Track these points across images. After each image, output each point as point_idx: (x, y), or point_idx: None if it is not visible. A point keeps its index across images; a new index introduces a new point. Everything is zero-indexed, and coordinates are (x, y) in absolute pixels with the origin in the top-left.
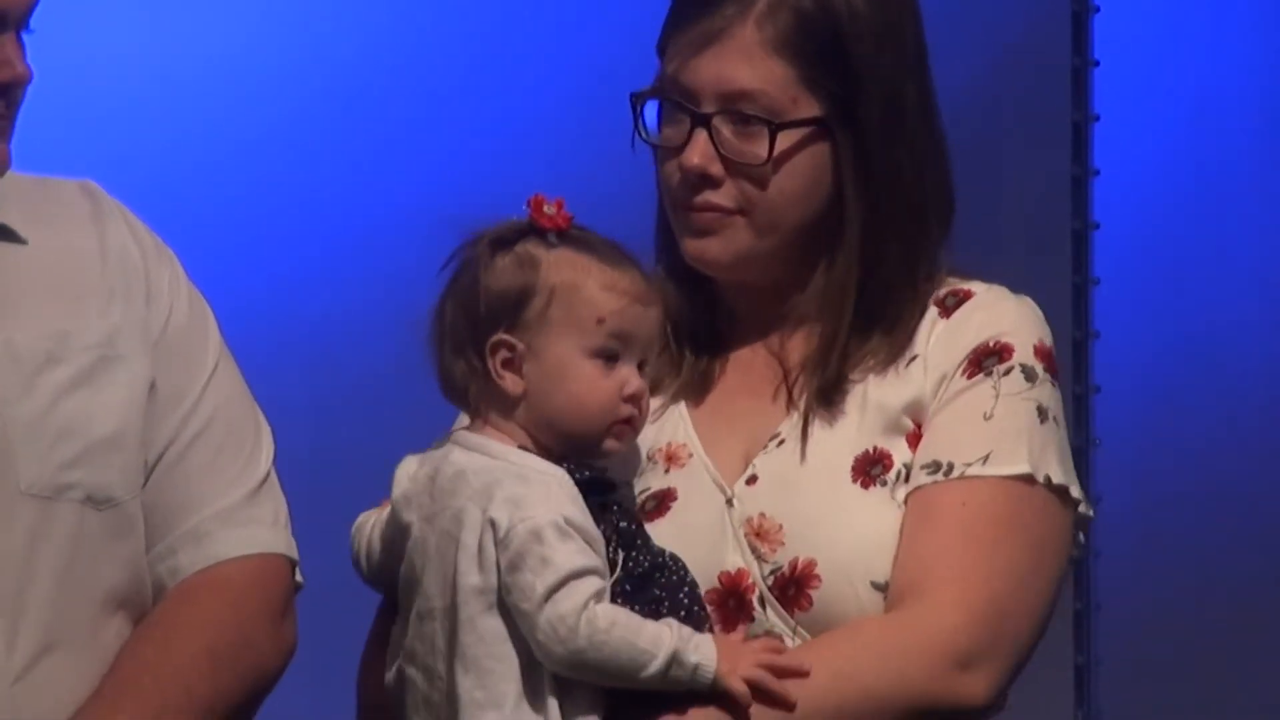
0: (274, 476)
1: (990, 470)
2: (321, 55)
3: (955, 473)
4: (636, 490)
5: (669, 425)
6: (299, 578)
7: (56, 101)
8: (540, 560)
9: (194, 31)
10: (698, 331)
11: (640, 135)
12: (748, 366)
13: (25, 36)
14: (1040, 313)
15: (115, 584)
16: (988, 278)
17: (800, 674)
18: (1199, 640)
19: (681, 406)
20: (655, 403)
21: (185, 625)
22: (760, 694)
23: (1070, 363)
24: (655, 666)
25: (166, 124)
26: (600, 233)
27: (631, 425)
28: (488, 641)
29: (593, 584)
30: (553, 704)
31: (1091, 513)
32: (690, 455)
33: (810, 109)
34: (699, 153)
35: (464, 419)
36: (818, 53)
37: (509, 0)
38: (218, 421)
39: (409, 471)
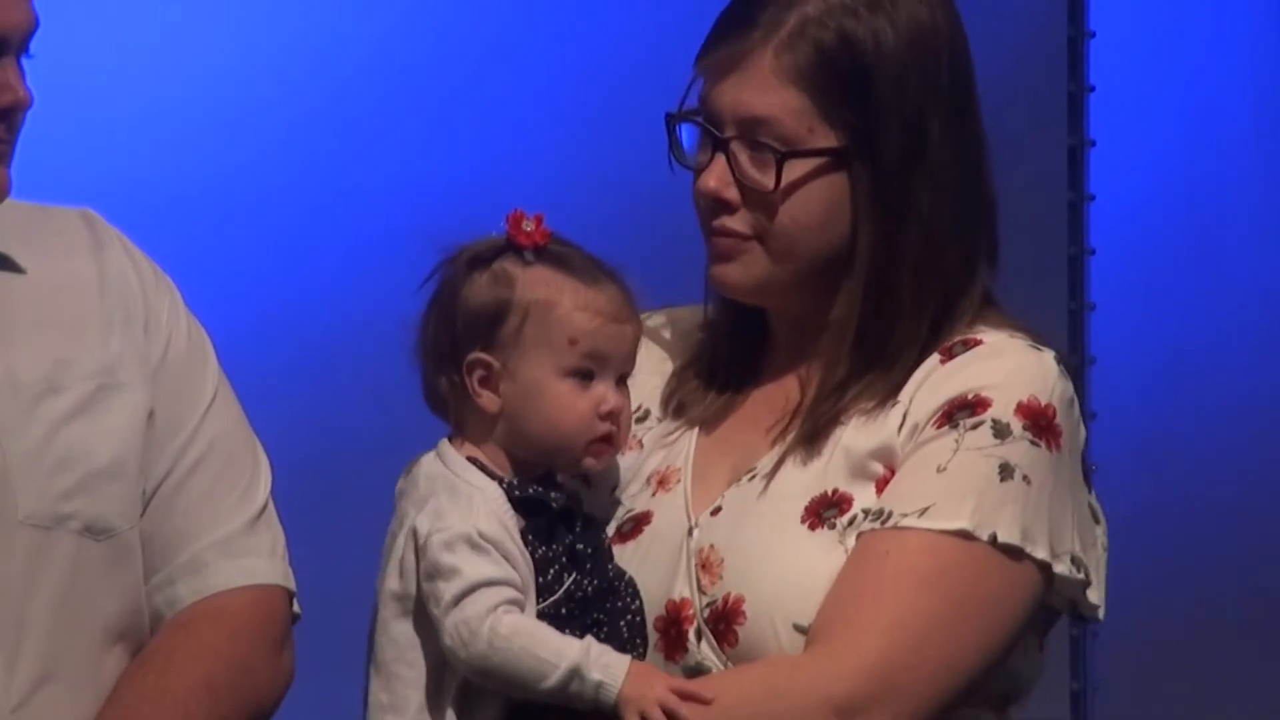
0: (272, 506)
1: (924, 523)
2: (325, 66)
3: (890, 522)
4: (624, 510)
5: (676, 449)
6: (296, 609)
7: (55, 122)
8: (450, 569)
9: (194, 53)
10: (736, 363)
11: (675, 157)
12: (769, 400)
13: (25, 61)
14: (1054, 370)
15: (113, 614)
16: (1025, 326)
17: (704, 700)
18: (1197, 666)
19: (694, 434)
20: (672, 427)
21: (183, 656)
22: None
23: None
24: (556, 678)
25: (165, 144)
26: (610, 240)
27: (610, 442)
28: (400, 646)
29: (501, 593)
30: (450, 715)
31: (1082, 575)
32: (678, 481)
33: (827, 140)
34: (715, 177)
35: None
36: (836, 85)
37: (514, 11)
38: (216, 451)
39: (408, 470)
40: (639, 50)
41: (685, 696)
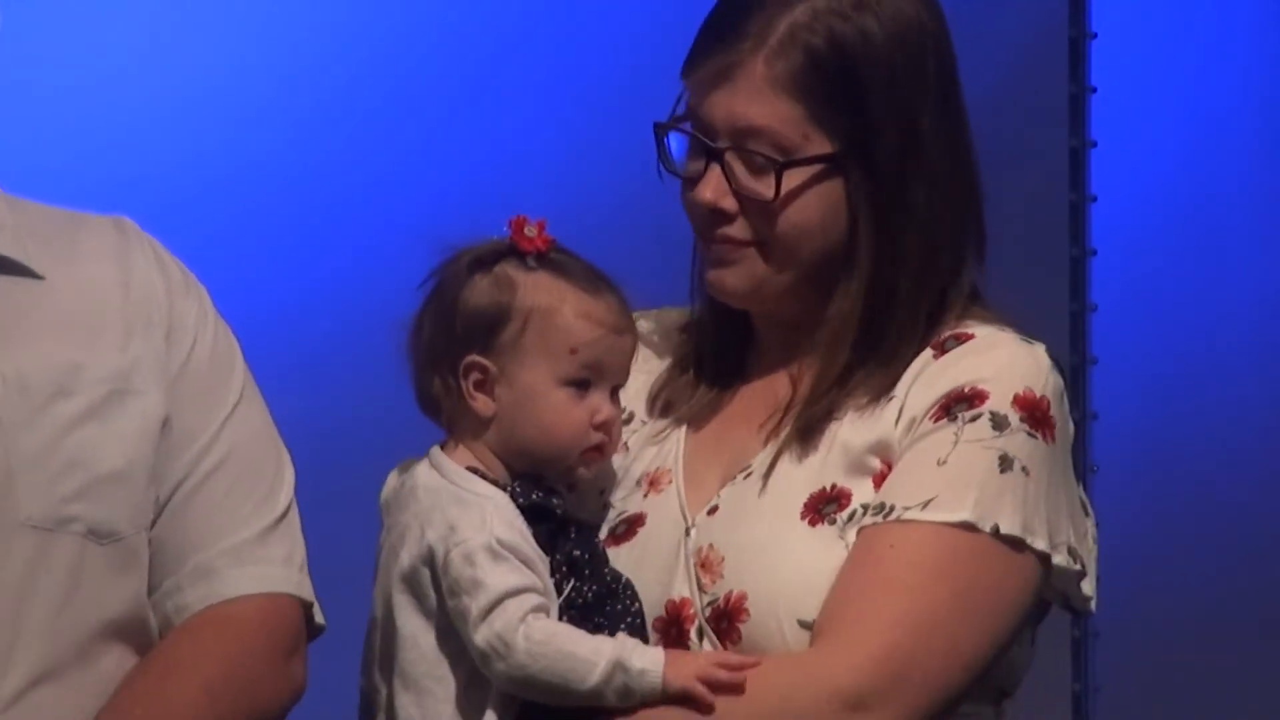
0: (294, 516)
1: (928, 516)
2: (332, 66)
3: (893, 515)
4: (615, 513)
5: (665, 449)
6: (319, 619)
7: (62, 123)
8: (473, 583)
9: (201, 55)
10: (724, 362)
11: (664, 166)
12: (758, 397)
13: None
14: (1047, 363)
15: (114, 618)
16: (1011, 320)
17: (737, 690)
18: (1198, 668)
19: (682, 432)
20: (660, 426)
21: (184, 661)
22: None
23: (1067, 389)
24: (598, 674)
25: (168, 145)
26: (613, 244)
27: (601, 452)
28: (429, 661)
29: (529, 600)
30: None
31: (1076, 566)
32: (670, 482)
33: (822, 146)
34: (711, 188)
35: None
36: (829, 90)
37: (520, 15)
38: (233, 459)
39: (392, 479)
40: (647, 54)
41: (717, 682)
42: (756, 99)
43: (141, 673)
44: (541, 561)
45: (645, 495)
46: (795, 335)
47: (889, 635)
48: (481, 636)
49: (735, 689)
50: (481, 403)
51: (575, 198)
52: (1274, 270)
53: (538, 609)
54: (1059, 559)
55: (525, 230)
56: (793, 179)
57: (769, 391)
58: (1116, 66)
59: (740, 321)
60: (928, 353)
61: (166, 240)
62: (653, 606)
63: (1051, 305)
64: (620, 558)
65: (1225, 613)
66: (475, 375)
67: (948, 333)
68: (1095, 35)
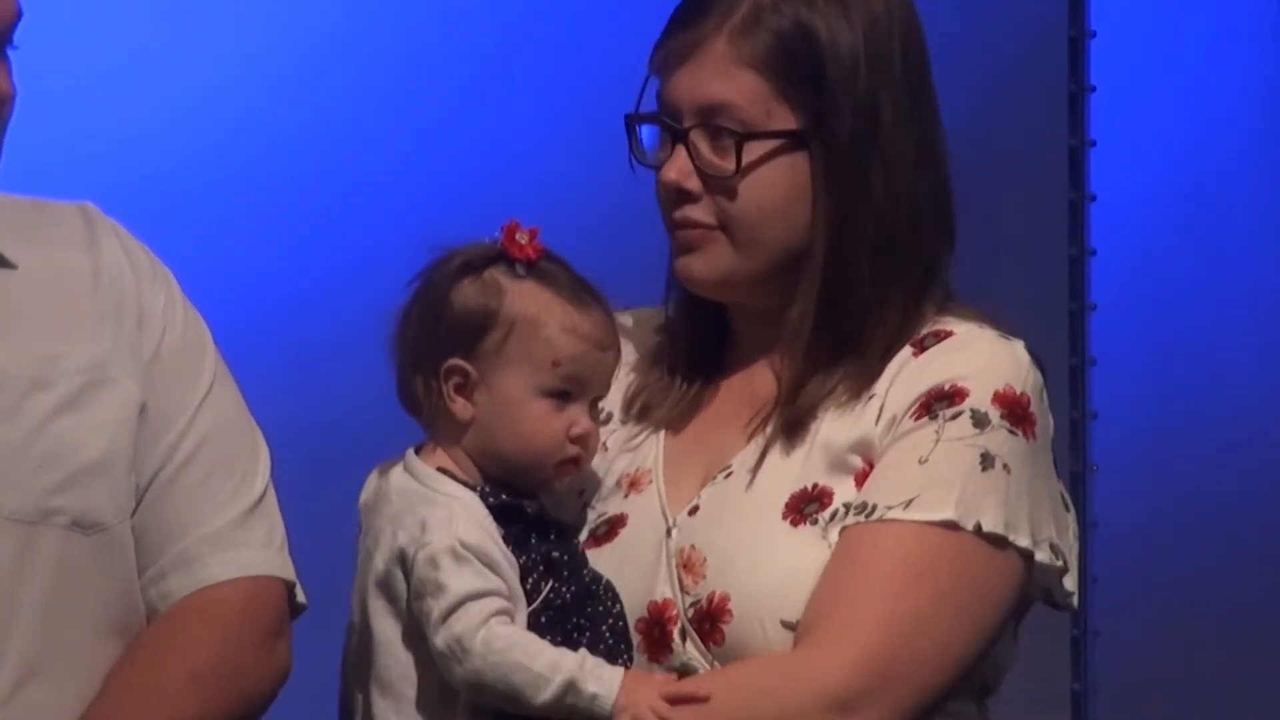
0: (271, 498)
1: (910, 515)
2: (328, 66)
3: (876, 515)
4: (595, 515)
5: (643, 451)
6: (300, 598)
7: (51, 118)
8: (435, 586)
9: (198, 55)
10: (699, 360)
11: (636, 157)
12: (738, 394)
13: (11, 53)
14: (1026, 359)
15: (104, 608)
16: (989, 315)
17: (700, 700)
18: (1197, 667)
19: (662, 433)
20: (639, 427)
21: (171, 649)
22: None
23: (1067, 389)
24: (550, 691)
25: (166, 146)
26: (604, 248)
27: (577, 464)
28: (404, 664)
29: (490, 604)
30: None
31: (1059, 563)
32: (650, 482)
33: (785, 122)
34: (676, 168)
35: None
36: (793, 67)
37: (516, 16)
38: (210, 444)
39: (371, 482)
40: (644, 56)
41: (679, 699)
42: (720, 74)
43: (129, 662)
44: (510, 564)
45: (626, 496)
46: (771, 330)
47: (874, 636)
48: (441, 639)
49: (700, 699)
50: (460, 406)
51: (571, 199)
52: (1273, 269)
53: (500, 613)
54: (1041, 555)
55: (517, 236)
56: (753, 153)
57: (747, 388)
58: (1116, 65)
59: (716, 318)
60: (907, 350)
61: (162, 238)
62: (634, 608)
63: (1051, 305)
64: (601, 559)
65: (1224, 613)
66: (456, 379)
67: (926, 330)
68: (1094, 34)
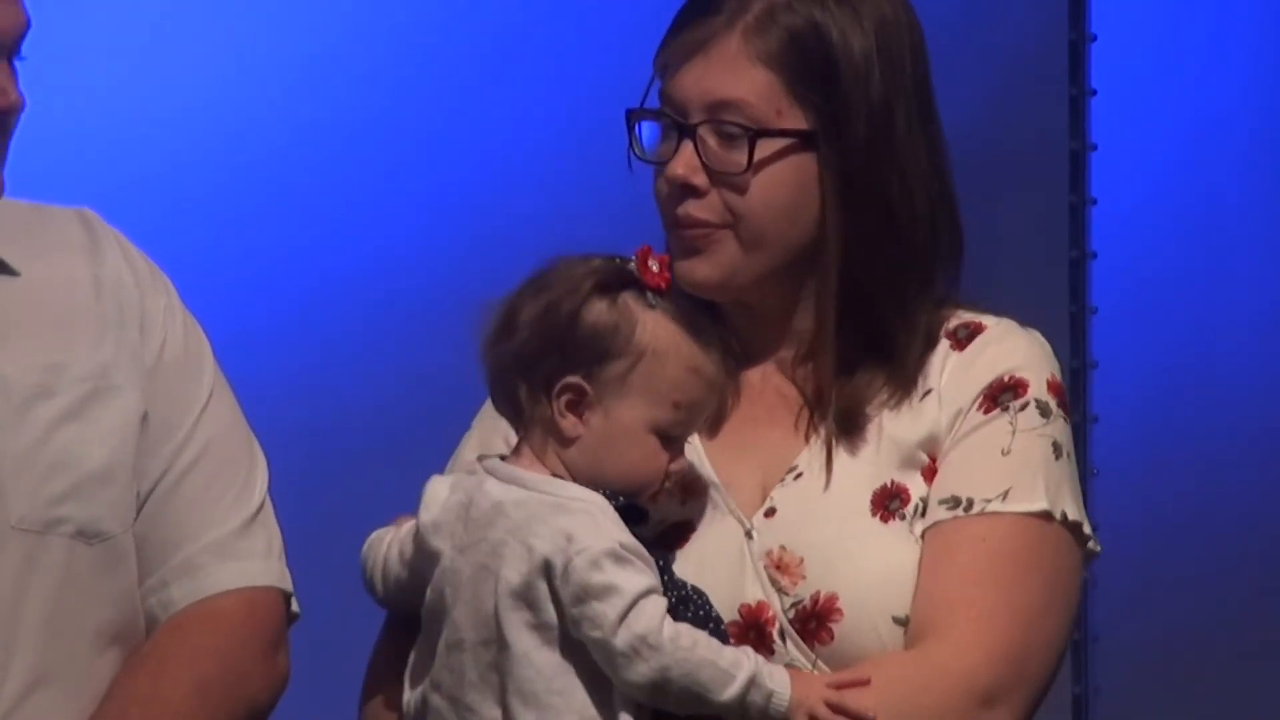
0: (269, 507)
1: (1010, 507)
2: (332, 69)
3: (975, 509)
4: (653, 521)
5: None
6: (295, 608)
7: (58, 126)
8: (604, 588)
9: (202, 59)
10: None
11: (635, 153)
12: (758, 395)
13: (19, 64)
14: (1048, 347)
15: (107, 618)
16: (994, 309)
17: (860, 683)
18: (1197, 670)
19: (694, 437)
20: None
21: (176, 659)
22: None
23: (1067, 391)
24: (735, 688)
25: (168, 149)
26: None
27: (664, 494)
28: (547, 676)
29: (661, 603)
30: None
31: (1099, 549)
32: (708, 488)
33: (796, 121)
34: (683, 163)
35: (485, 444)
36: (805, 66)
37: (515, 20)
38: (210, 453)
39: (439, 497)
40: (646, 56)
41: (843, 686)
42: (731, 71)
43: (133, 673)
44: (654, 563)
45: (683, 502)
46: (773, 329)
47: (1002, 629)
48: (622, 639)
49: (863, 684)
50: (570, 424)
51: (571, 199)
52: (1274, 273)
53: (668, 611)
54: (1093, 544)
55: (649, 263)
56: (764, 151)
57: (769, 388)
58: (1117, 69)
59: (716, 317)
60: (944, 343)
61: (162, 242)
62: (724, 611)
63: (1051, 308)
64: (677, 565)
65: (1224, 616)
66: (570, 396)
67: (955, 322)
68: (1095, 38)
